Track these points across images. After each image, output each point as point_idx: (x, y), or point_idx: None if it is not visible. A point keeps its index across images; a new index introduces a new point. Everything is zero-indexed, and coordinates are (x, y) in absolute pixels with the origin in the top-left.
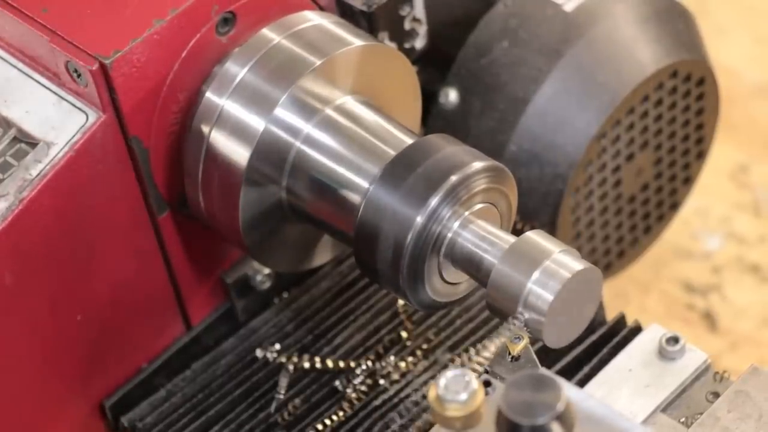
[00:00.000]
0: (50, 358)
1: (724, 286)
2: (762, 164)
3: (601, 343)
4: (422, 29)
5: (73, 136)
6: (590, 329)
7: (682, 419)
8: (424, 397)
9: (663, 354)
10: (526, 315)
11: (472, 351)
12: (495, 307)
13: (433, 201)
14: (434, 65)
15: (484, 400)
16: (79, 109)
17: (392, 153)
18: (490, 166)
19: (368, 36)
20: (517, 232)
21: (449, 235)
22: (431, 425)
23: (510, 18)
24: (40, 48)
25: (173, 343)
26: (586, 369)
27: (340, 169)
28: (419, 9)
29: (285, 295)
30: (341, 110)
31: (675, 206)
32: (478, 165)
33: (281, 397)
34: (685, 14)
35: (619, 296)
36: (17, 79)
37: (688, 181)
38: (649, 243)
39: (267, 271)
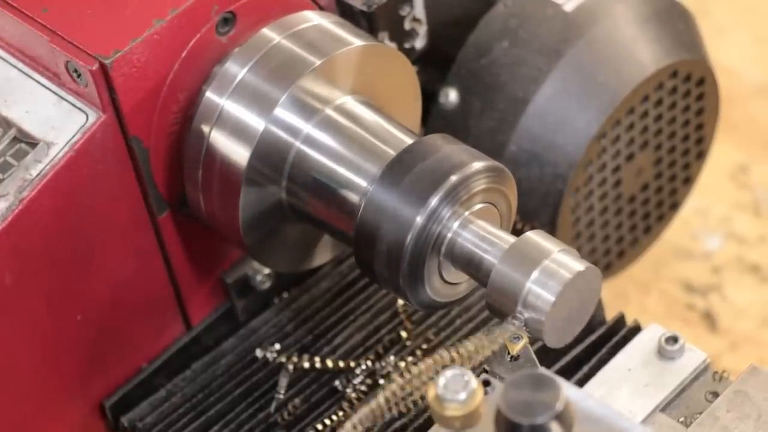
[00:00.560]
0: (50, 358)
1: (724, 286)
2: (762, 164)
3: (600, 342)
4: (422, 29)
5: (73, 136)
6: (590, 329)
7: (682, 419)
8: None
9: (662, 354)
10: (526, 315)
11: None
12: (495, 307)
13: (433, 201)
14: (434, 65)
15: (483, 400)
16: (79, 109)
17: (392, 153)
18: (490, 166)
19: (368, 36)
20: (517, 232)
21: (449, 235)
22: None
23: (510, 18)
24: (40, 48)
25: (173, 343)
26: (585, 368)
27: (340, 169)
28: (419, 9)
29: (285, 295)
30: (341, 110)
31: (675, 206)
32: (478, 165)
33: (281, 396)
34: (685, 14)
35: (619, 296)
36: (17, 79)
37: (688, 181)
38: (649, 243)
39: (267, 271)
